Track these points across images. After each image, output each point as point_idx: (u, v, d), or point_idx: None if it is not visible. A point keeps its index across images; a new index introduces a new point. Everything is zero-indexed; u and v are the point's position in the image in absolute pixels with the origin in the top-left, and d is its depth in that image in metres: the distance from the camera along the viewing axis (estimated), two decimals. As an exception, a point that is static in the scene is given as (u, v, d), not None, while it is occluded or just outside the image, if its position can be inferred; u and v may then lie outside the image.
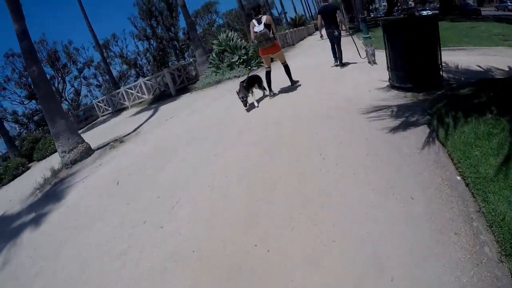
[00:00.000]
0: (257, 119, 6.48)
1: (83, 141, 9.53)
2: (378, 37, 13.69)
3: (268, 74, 7.53)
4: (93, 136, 14.03)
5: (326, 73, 8.84)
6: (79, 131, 20.43)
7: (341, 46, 8.73)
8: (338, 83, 7.26)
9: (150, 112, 13.78)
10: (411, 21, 5.18)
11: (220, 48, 14.95)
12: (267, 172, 4.00)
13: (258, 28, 6.73)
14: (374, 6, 60.77)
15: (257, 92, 8.04)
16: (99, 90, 43.54)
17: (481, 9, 36.08)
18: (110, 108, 21.27)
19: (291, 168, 3.88)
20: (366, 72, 7.55)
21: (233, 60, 14.17)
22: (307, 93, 7.22)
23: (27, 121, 35.94)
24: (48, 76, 36.32)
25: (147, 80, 17.86)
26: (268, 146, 4.81)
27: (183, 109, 11.16)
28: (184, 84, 16.81)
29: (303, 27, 32.74)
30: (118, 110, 20.44)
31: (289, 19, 44.22)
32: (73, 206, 5.87)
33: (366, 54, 8.54)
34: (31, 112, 36.18)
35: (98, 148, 9.78)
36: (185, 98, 14.02)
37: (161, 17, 37.10)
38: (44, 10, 77.33)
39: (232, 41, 14.82)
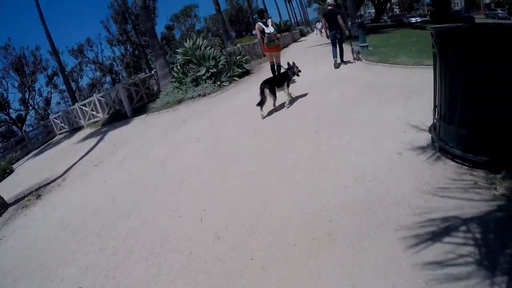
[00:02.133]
0: (192, 210, 3.70)
1: (-5, 196, 6.98)
2: (377, 47, 11.24)
3: (273, 67, 8.41)
4: (31, 168, 12.31)
5: (315, 100, 6.26)
6: (32, 153, 17.78)
7: (343, 46, 9.29)
8: (338, 127, 4.59)
9: (94, 141, 11.10)
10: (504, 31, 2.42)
11: (185, 58, 12.14)
12: None
13: (269, 29, 7.70)
14: (359, 13, 58.69)
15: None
16: (76, 96, 40.32)
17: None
18: (66, 126, 18.30)
19: None
20: (379, 102, 5.02)
21: (198, 74, 11.33)
22: (288, 151, 4.42)
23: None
24: (17, 84, 33.40)
25: (101, 96, 14.87)
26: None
27: (122, 146, 8.48)
28: (143, 102, 13.86)
29: (287, 33, 30.09)
30: (74, 128, 17.51)
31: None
32: None
33: (352, 52, 9.43)
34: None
35: (16, 201, 7.48)
36: (136, 123, 11.21)
37: (135, 21, 33.95)
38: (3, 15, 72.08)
39: (200, 49, 12.03)
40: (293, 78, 6.80)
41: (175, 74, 12.24)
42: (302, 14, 78.43)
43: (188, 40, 12.64)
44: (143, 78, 14.69)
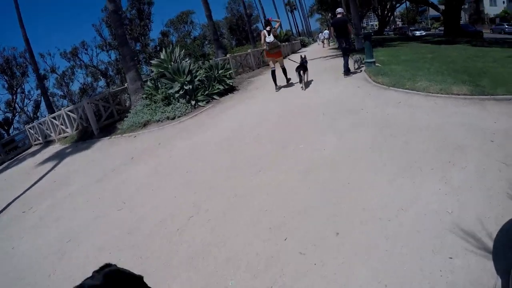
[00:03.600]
0: None
1: None
2: (386, 64, 9.51)
3: (273, 72, 9.21)
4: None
5: (299, 156, 4.44)
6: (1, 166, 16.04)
7: (348, 57, 9.13)
8: (327, 233, 2.74)
9: (49, 167, 9.43)
10: None
11: (159, 71, 10.42)
12: None
13: (270, 38, 8.66)
14: (362, 25, 57.11)
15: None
16: (66, 101, 38.85)
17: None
18: (40, 138, 16.62)
19: None
20: (400, 168, 3.26)
21: (170, 91, 9.58)
22: None
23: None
24: (6, 85, 31.98)
25: (69, 111, 13.15)
26: None
27: (57, 189, 6.74)
28: (114, 119, 12.05)
29: (287, 43, 28.46)
30: (47, 141, 15.81)
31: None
32: None
33: (354, 62, 9.52)
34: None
35: None
36: (95, 149, 9.44)
37: (129, 26, 32.40)
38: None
39: (175, 61, 10.30)
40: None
41: (147, 90, 10.50)
42: (304, 24, 76.86)
43: (163, 50, 10.93)
44: (114, 92, 12.93)
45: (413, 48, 15.38)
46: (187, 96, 9.40)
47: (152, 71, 10.85)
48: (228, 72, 10.80)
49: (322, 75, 10.03)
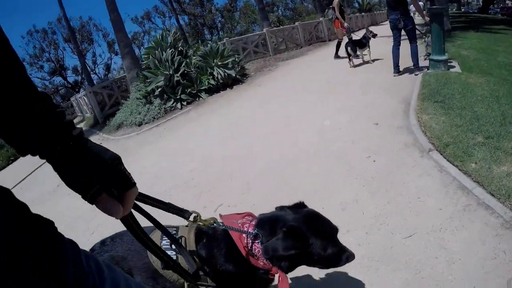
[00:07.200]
0: None
1: None
2: (470, 68, 5.67)
3: (338, 43, 9.19)
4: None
5: None
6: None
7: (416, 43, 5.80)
8: None
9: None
10: None
11: (150, 59, 8.88)
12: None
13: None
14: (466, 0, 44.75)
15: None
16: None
17: None
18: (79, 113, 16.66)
19: None
20: None
21: (149, 87, 8.08)
22: None
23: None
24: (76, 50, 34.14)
25: (84, 95, 12.64)
26: None
27: None
28: (118, 107, 11.06)
29: (367, 13, 24.11)
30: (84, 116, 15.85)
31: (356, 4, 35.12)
32: None
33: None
34: (54, 87, 34.10)
35: None
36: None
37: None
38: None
39: (164, 50, 8.56)
40: None
41: (140, 82, 9.09)
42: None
43: (162, 31, 9.34)
44: (119, 79, 12.00)
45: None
46: (165, 95, 7.85)
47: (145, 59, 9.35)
48: (229, 60, 8.70)
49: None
